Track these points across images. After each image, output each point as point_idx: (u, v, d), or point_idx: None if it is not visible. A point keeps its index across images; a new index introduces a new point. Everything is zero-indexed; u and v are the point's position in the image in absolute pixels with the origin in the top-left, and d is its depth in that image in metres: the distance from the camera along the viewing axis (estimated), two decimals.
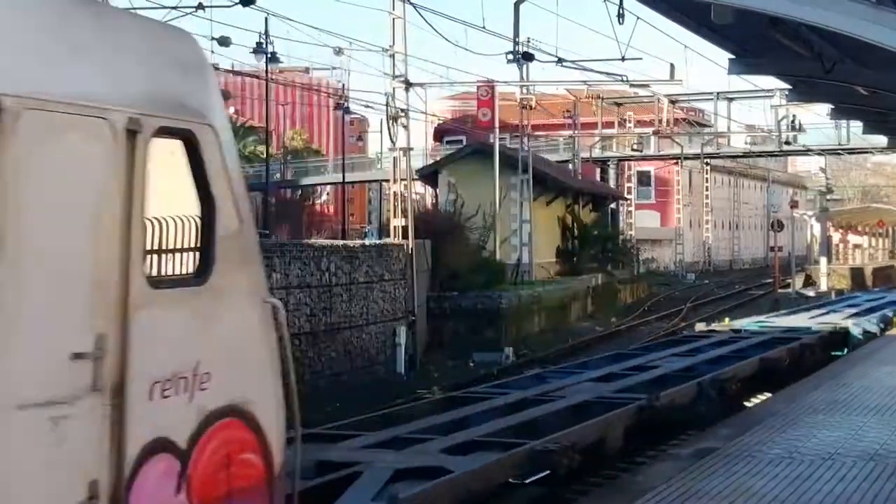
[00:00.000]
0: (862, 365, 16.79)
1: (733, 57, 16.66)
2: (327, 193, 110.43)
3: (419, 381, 23.41)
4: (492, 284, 32.08)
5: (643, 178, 79.32)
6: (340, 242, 27.58)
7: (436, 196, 42.74)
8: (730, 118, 58.09)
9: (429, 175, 43.71)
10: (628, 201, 66.50)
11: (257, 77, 47.02)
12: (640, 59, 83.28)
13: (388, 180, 31.01)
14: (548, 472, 9.76)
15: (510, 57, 33.91)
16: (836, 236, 68.92)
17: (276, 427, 5.47)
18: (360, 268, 23.90)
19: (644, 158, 66.90)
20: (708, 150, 64.75)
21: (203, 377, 4.86)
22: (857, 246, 75.70)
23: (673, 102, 59.23)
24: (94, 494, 4.30)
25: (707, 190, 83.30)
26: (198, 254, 5.03)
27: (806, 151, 61.52)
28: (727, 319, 27.16)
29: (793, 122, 56.65)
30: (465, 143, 54.63)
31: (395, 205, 28.16)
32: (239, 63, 50.32)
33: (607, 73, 34.98)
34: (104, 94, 4.51)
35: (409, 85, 27.86)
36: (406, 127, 27.84)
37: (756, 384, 16.60)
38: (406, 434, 10.59)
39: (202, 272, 5.01)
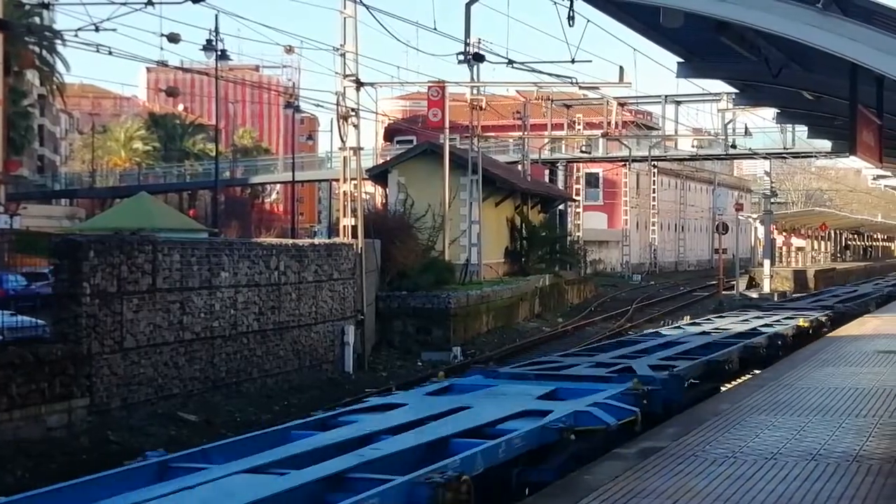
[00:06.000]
0: (803, 366, 17.02)
1: (682, 60, 16.78)
2: (277, 192, 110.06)
3: (367, 381, 23.42)
4: (440, 284, 32.17)
5: (591, 180, 79.81)
6: (290, 241, 27.50)
7: (386, 196, 42.73)
8: (677, 121, 58.49)
9: (379, 175, 43.69)
10: (576, 202, 66.88)
11: (207, 74, 46.67)
12: (590, 61, 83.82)
13: (337, 179, 30.98)
14: None
15: (461, 58, 33.92)
16: (779, 239, 69.78)
17: None
18: (310, 267, 23.86)
19: (592, 160, 67.28)
20: (655, 152, 65.23)
21: None
22: (799, 249, 76.73)
23: (622, 105, 59.50)
24: None
25: (654, 192, 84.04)
26: None
27: (751, 155, 62.15)
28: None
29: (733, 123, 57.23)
30: (415, 143, 54.61)
31: (344, 204, 28.13)
32: (188, 60, 50.09)
33: (557, 76, 35.04)
34: None
35: (359, 84, 27.82)
36: (356, 126, 27.81)
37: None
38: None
39: None
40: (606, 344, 20.15)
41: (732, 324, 23.50)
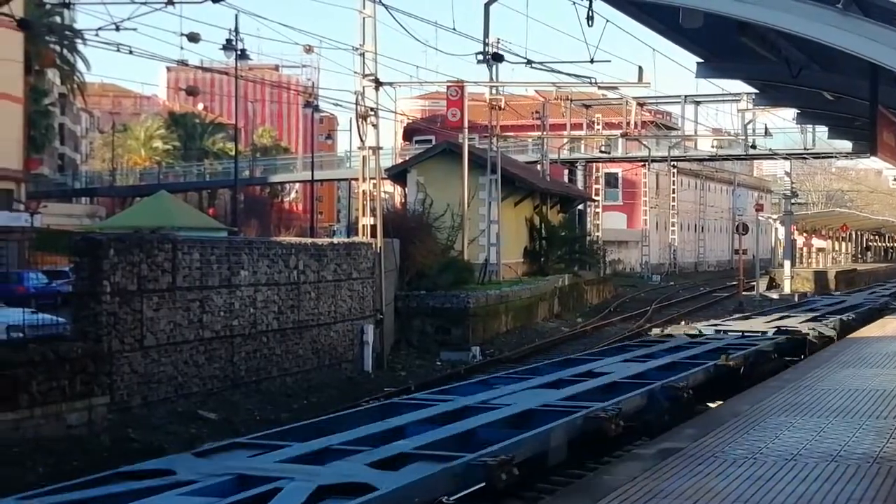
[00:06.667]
0: (823, 367, 16.96)
1: (701, 61, 16.76)
2: (296, 191, 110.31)
3: (386, 380, 23.45)
4: (459, 284, 32.18)
5: (611, 180, 79.67)
6: (309, 240, 27.56)
7: (405, 195, 42.78)
8: (697, 121, 58.35)
9: (398, 174, 43.75)
10: (596, 202, 66.72)
11: (227, 74, 46.83)
12: (609, 61, 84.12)
13: (356, 179, 31.00)
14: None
15: (480, 57, 33.95)
16: (800, 240, 69.58)
17: None
18: (329, 266, 23.91)
19: (612, 160, 67.16)
20: (675, 152, 65.05)
21: None
22: (820, 250, 76.47)
23: (641, 105, 59.36)
24: None
25: (673, 192, 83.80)
26: None
27: (772, 155, 61.92)
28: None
29: (750, 123, 57.03)
30: (434, 142, 54.63)
31: (363, 203, 28.16)
32: (208, 59, 50.23)
33: (576, 75, 35.11)
34: None
35: (379, 84, 27.85)
36: (375, 126, 27.84)
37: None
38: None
39: None
40: (394, 403, 13.53)
41: (643, 356, 18.06)
